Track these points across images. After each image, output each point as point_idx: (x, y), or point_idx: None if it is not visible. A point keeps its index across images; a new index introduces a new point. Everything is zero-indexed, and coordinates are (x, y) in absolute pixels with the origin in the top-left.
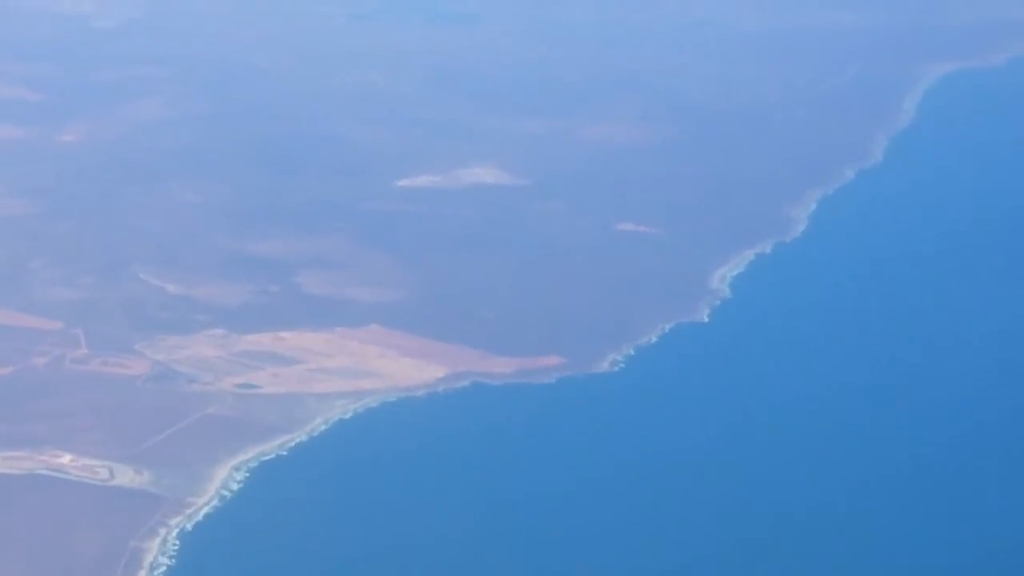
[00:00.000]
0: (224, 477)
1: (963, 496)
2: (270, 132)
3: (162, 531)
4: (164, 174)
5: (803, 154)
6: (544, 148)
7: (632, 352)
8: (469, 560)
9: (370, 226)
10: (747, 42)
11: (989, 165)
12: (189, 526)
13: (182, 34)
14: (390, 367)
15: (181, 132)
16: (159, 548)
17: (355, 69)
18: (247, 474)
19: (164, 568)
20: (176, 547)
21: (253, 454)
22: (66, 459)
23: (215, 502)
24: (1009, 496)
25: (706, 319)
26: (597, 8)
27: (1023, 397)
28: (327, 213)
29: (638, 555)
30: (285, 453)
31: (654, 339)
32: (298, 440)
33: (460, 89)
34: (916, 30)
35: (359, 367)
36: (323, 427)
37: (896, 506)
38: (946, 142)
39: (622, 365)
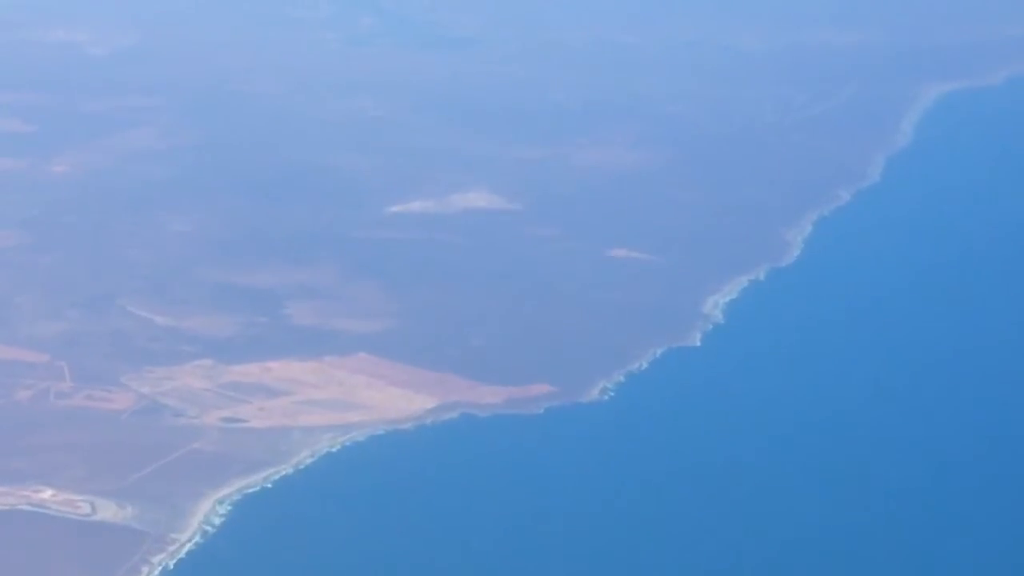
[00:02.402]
0: (207, 512)
1: (959, 537)
2: (261, 161)
3: (144, 568)
4: (154, 204)
5: (799, 176)
6: (538, 173)
7: (623, 379)
8: None
9: (360, 254)
10: (744, 62)
11: (988, 185)
12: (171, 563)
13: (175, 61)
14: (378, 398)
15: (172, 161)
16: None
17: (348, 95)
18: (230, 508)
19: None
20: None
21: (237, 488)
22: (47, 494)
23: (197, 538)
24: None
25: (698, 344)
26: (593, 30)
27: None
28: (317, 242)
29: None
30: (269, 486)
31: (645, 365)
32: (283, 474)
33: (454, 114)
34: (914, 50)
35: (347, 398)
36: (309, 460)
37: (892, 536)
38: (944, 162)
39: (612, 393)
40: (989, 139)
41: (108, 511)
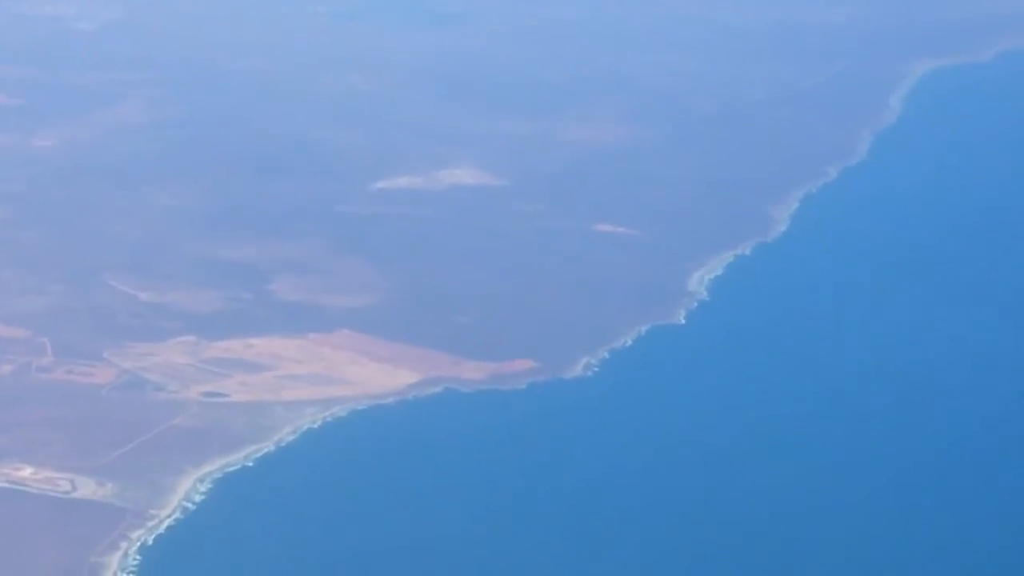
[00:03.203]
0: (188, 489)
1: (945, 500)
2: (248, 136)
3: (123, 545)
4: (139, 179)
5: (787, 153)
6: (525, 149)
7: (607, 355)
8: (438, 569)
9: (346, 230)
10: (733, 39)
11: (975, 162)
12: (150, 540)
13: (163, 35)
14: (361, 373)
15: (158, 136)
16: (119, 563)
17: (336, 71)
18: (211, 486)
19: None
20: (137, 562)
21: (218, 465)
22: (27, 472)
23: (177, 514)
24: (986, 498)
25: (682, 321)
26: (581, 5)
27: (1006, 400)
28: (303, 217)
29: (611, 561)
30: (251, 464)
31: (629, 342)
32: (265, 450)
33: (442, 90)
34: (903, 26)
35: (329, 374)
36: (291, 437)
37: (879, 510)
38: (932, 139)
39: (596, 369)
40: (977, 115)
41: (88, 488)
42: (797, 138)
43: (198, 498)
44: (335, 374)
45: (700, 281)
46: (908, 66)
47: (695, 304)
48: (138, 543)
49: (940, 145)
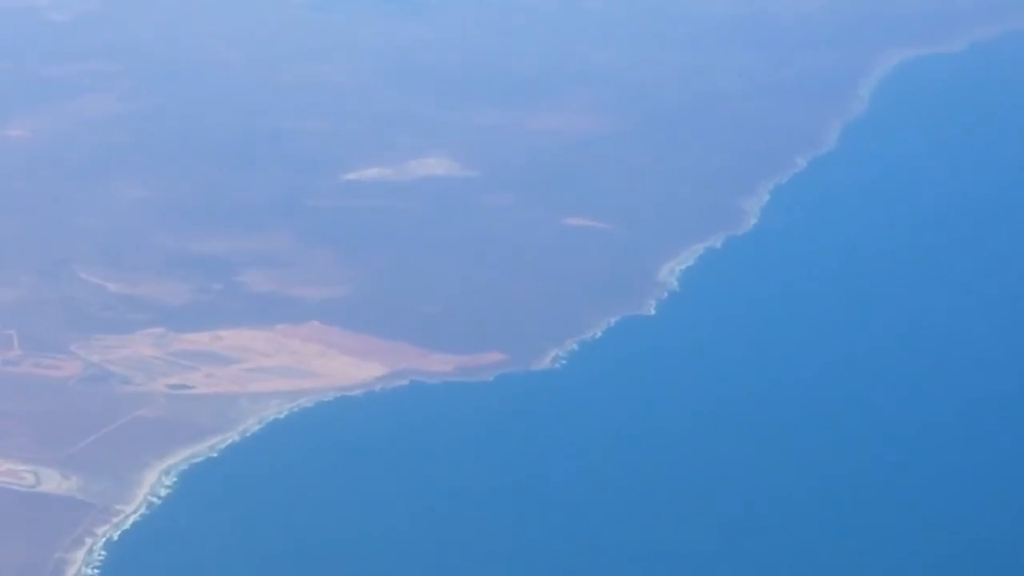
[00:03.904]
0: (153, 482)
1: (914, 492)
2: (220, 127)
3: (88, 540)
4: (110, 171)
5: (757, 143)
6: (496, 140)
7: (576, 347)
8: (402, 561)
9: (316, 222)
10: (704, 30)
11: (944, 153)
12: (116, 535)
13: (137, 26)
14: (329, 365)
15: (129, 128)
16: (84, 559)
17: (308, 62)
18: (176, 478)
19: None
20: (102, 558)
21: (183, 457)
22: None
23: (143, 509)
24: (958, 491)
25: (652, 313)
26: None
27: (976, 391)
28: (273, 209)
29: (580, 553)
30: (215, 455)
31: (599, 334)
32: (230, 441)
33: (414, 81)
34: (874, 16)
35: (297, 366)
36: (256, 428)
37: (847, 503)
38: (902, 130)
39: (564, 361)
40: (947, 106)
41: (52, 482)
42: (767, 129)
43: (163, 492)
44: (303, 366)
45: (670, 272)
46: (879, 56)
47: (665, 295)
48: (103, 539)
49: (910, 136)
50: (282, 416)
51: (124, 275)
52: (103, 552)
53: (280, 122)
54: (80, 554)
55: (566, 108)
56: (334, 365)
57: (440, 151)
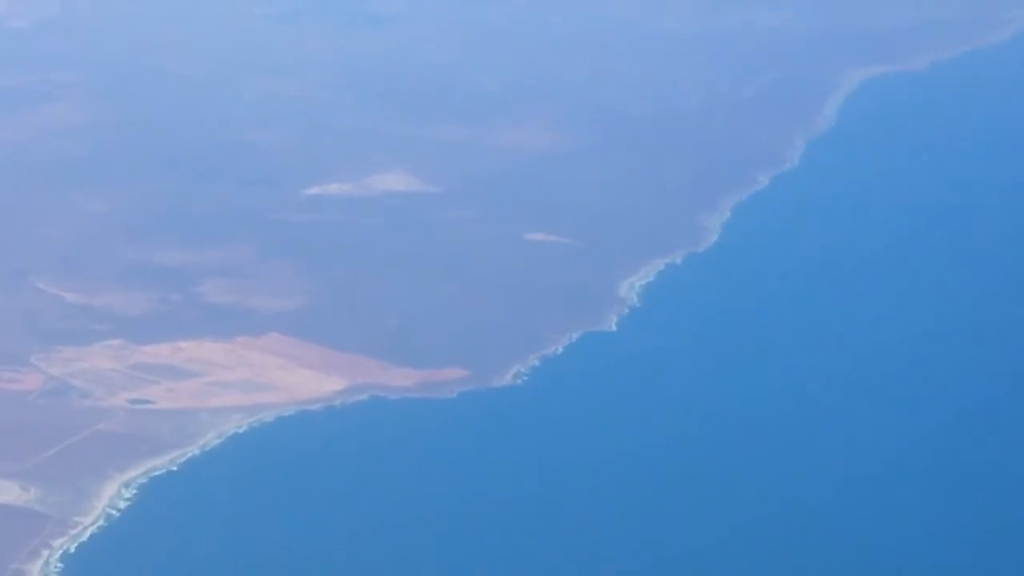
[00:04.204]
0: (112, 494)
1: (879, 504)
2: (180, 139)
3: (45, 553)
4: (69, 181)
5: (719, 160)
6: (458, 155)
7: (537, 363)
8: None
9: (277, 235)
10: (668, 44)
11: (906, 170)
12: (73, 547)
13: (96, 35)
14: (289, 379)
15: (89, 138)
16: (40, 571)
17: (270, 74)
18: (135, 491)
19: None
20: (58, 570)
21: (143, 470)
22: None
23: (101, 521)
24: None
25: (614, 329)
26: (518, 10)
27: (932, 408)
28: (233, 222)
29: (538, 570)
30: (175, 469)
31: (560, 349)
32: (190, 455)
33: (376, 95)
34: (839, 33)
35: (257, 379)
36: (216, 442)
37: (815, 512)
38: (864, 147)
39: (526, 377)
40: (910, 124)
41: (10, 493)
42: (730, 145)
43: (122, 504)
44: (263, 380)
45: (631, 288)
46: (843, 74)
47: (626, 311)
48: (60, 551)
49: (872, 153)
50: (242, 431)
51: (83, 286)
52: (59, 564)
53: (242, 135)
54: (36, 566)
55: (528, 123)
56: (294, 379)
57: (401, 166)
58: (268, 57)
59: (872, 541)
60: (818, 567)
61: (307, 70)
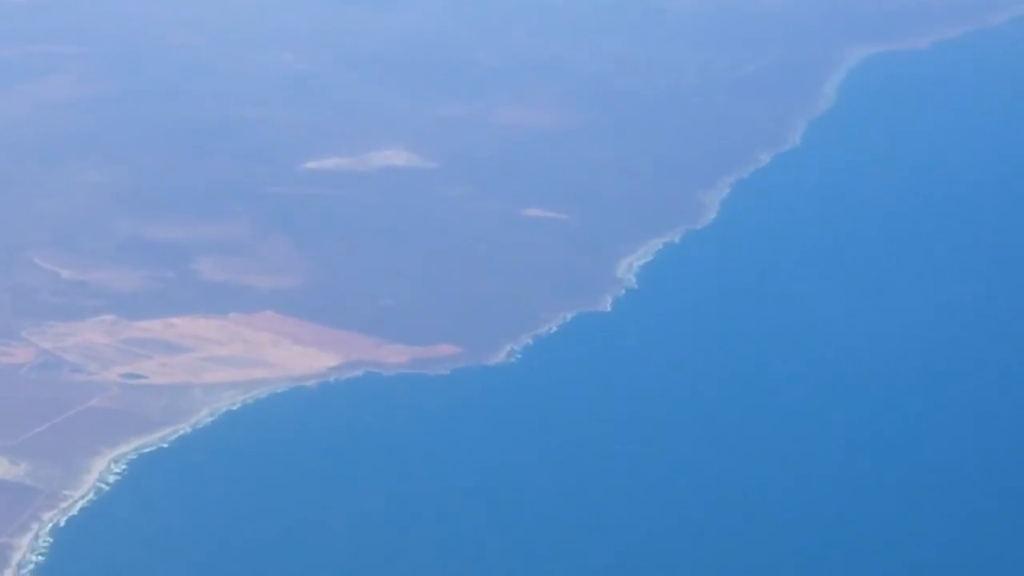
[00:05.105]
0: (102, 469)
1: (874, 490)
2: (178, 113)
3: (34, 526)
4: (66, 156)
5: (719, 139)
6: (457, 132)
7: (531, 342)
8: (351, 555)
9: (273, 210)
10: (669, 24)
11: (907, 150)
12: (62, 521)
13: (95, 9)
14: (282, 356)
15: (87, 112)
16: (29, 545)
17: (270, 48)
18: (125, 467)
19: (33, 566)
20: (47, 544)
21: (134, 446)
22: None
23: (91, 495)
24: (919, 491)
25: (609, 309)
26: None
27: (932, 390)
28: (230, 197)
29: (530, 548)
30: (166, 445)
31: (554, 328)
32: (181, 432)
33: (376, 70)
34: (840, 11)
35: (251, 355)
36: (209, 419)
37: (802, 500)
38: (865, 126)
39: (519, 355)
40: (911, 103)
41: (1, 467)
42: (730, 124)
43: (112, 479)
44: (256, 356)
45: (628, 268)
46: (844, 52)
47: (622, 291)
48: (50, 524)
49: (873, 133)
50: (235, 407)
51: (78, 261)
52: (49, 538)
53: (240, 109)
54: (26, 540)
55: (528, 101)
56: (288, 355)
57: (399, 142)
58: (270, 31)
59: (867, 532)
60: (805, 547)
61: (309, 45)
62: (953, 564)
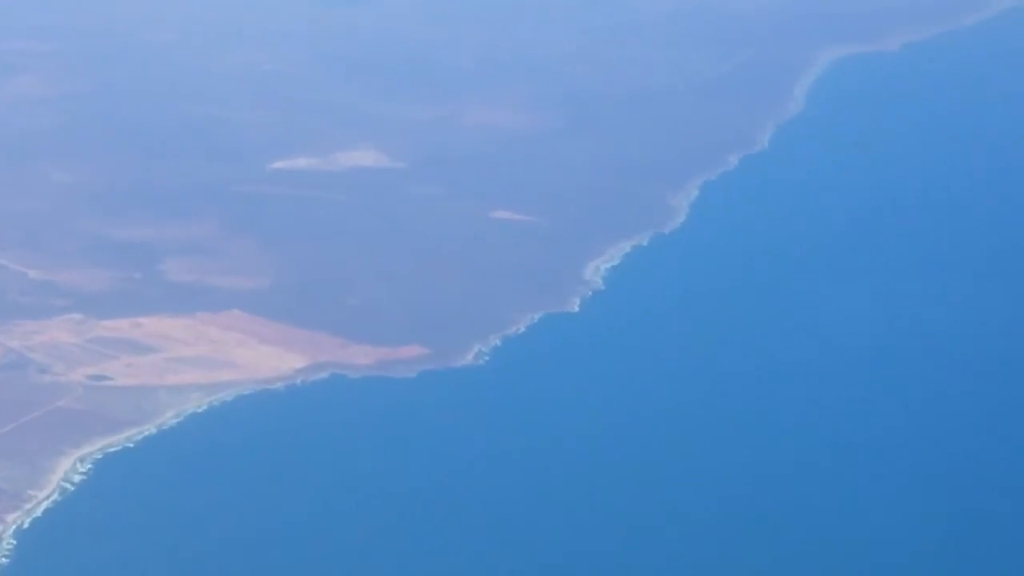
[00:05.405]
0: (67, 470)
1: (824, 485)
2: (148, 112)
3: None
4: (35, 154)
5: (689, 141)
6: (427, 133)
7: (498, 343)
8: (315, 556)
9: (241, 210)
10: (641, 24)
11: (876, 153)
12: (27, 522)
13: (66, 6)
14: (249, 356)
15: (56, 110)
16: None
17: (241, 48)
18: (90, 466)
19: None
20: (11, 545)
21: (99, 447)
22: None
23: (56, 496)
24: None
25: (576, 310)
26: None
27: (894, 393)
28: (198, 196)
29: (495, 551)
30: (131, 446)
31: (522, 329)
32: (147, 433)
33: (346, 71)
34: (811, 13)
35: (217, 356)
36: (174, 420)
37: (769, 503)
38: (834, 129)
39: (487, 357)
40: (881, 106)
41: None
42: (699, 126)
43: (77, 479)
44: (223, 357)
45: (596, 270)
46: (814, 55)
47: (590, 293)
48: (13, 526)
49: (842, 136)
50: (201, 409)
51: (45, 260)
52: (12, 540)
53: (209, 109)
54: None
55: (498, 101)
56: (254, 355)
57: (369, 142)
58: (240, 30)
59: (846, 525)
60: (787, 542)
61: (279, 44)
62: (952, 564)
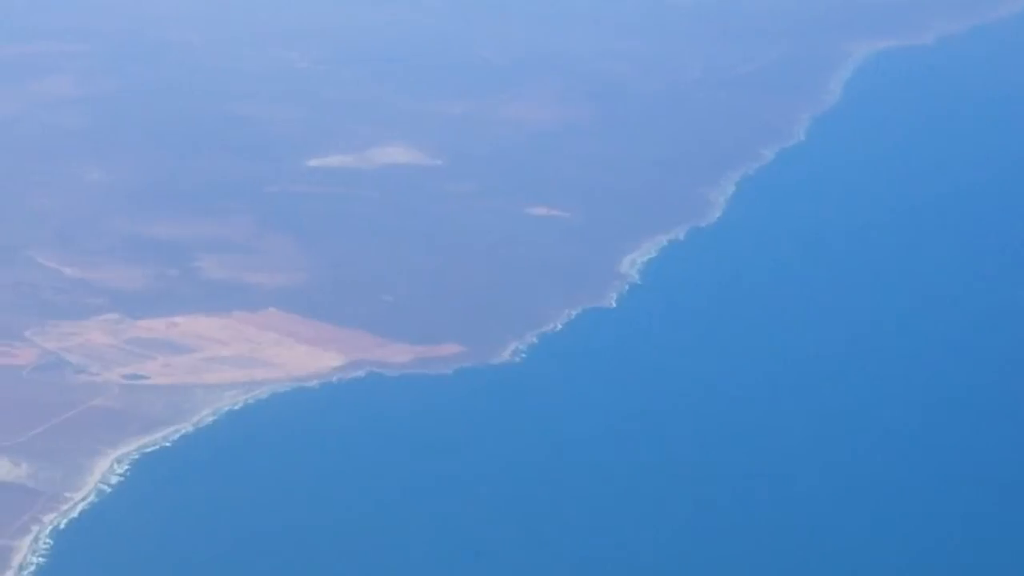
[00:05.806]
0: (104, 470)
1: (879, 487)
2: (181, 111)
3: (35, 528)
4: (68, 153)
5: (724, 135)
6: (461, 129)
7: (535, 340)
8: (353, 555)
9: (276, 208)
10: (675, 18)
11: (912, 146)
12: (63, 523)
13: (97, 6)
14: (285, 355)
15: (88, 110)
16: (30, 547)
17: (272, 46)
18: (128, 467)
19: (33, 568)
20: (48, 545)
21: (136, 446)
22: None
23: (92, 497)
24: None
25: (613, 305)
26: None
27: (944, 386)
28: (233, 194)
29: (536, 547)
30: (168, 445)
31: (559, 326)
32: (183, 432)
33: (379, 68)
34: (846, 6)
35: (253, 355)
36: (210, 419)
37: (810, 497)
38: (870, 122)
39: (524, 354)
40: (916, 99)
41: (2, 468)
42: (735, 120)
43: (114, 480)
44: (259, 356)
45: (632, 264)
46: (849, 48)
47: (627, 288)
48: (50, 526)
49: (878, 129)
50: (237, 407)
51: (80, 259)
52: (49, 540)
53: (243, 107)
54: (26, 542)
55: (533, 97)
56: (290, 354)
57: (402, 139)
58: (272, 29)
59: (870, 528)
60: (808, 543)
61: (310, 42)
62: (953, 564)
